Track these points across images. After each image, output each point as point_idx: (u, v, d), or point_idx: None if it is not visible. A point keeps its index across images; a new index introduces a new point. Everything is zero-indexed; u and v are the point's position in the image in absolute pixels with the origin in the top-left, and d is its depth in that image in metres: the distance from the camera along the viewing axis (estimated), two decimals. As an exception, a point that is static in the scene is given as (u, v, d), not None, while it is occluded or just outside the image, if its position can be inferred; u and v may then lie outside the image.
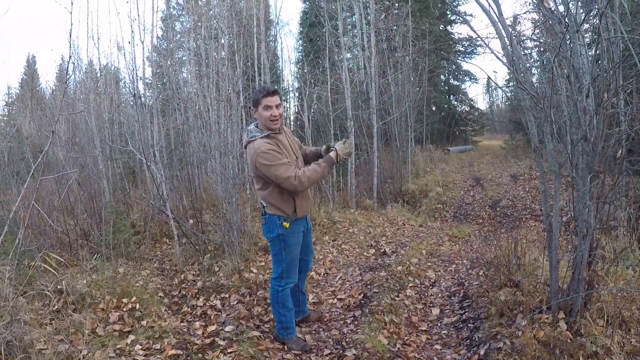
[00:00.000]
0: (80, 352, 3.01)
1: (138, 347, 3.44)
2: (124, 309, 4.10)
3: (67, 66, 4.53)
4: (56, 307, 3.80)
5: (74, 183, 6.91)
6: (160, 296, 4.74)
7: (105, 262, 5.17)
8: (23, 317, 3.19)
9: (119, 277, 4.67)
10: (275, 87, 3.52)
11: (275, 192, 3.41)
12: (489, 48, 3.48)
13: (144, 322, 3.89)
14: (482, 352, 3.46)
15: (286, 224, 3.44)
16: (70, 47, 3.86)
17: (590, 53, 3.76)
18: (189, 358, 3.38)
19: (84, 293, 4.11)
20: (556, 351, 2.93)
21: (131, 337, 3.59)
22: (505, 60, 3.46)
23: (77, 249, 5.72)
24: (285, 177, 3.23)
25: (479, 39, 3.63)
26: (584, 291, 3.21)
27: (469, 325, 4.08)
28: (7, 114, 31.26)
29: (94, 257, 5.33)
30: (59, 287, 4.04)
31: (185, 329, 3.87)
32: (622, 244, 4.92)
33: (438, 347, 3.83)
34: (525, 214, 10.48)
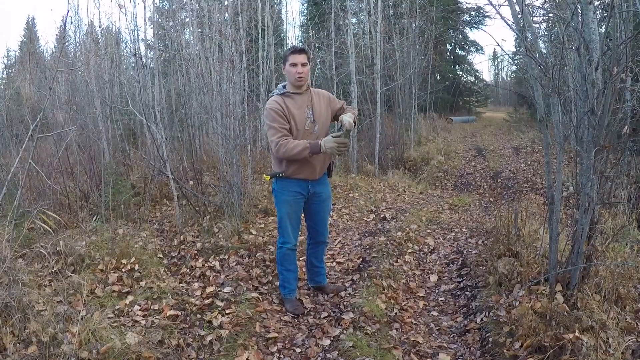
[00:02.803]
0: (79, 313, 3.02)
1: (137, 307, 3.46)
2: (123, 270, 4.12)
3: (65, 21, 4.42)
4: (55, 268, 3.80)
5: (73, 144, 6.87)
6: (160, 257, 4.76)
7: (104, 224, 5.18)
8: (22, 278, 3.20)
9: (118, 239, 4.68)
10: (304, 47, 3.56)
11: None
12: (499, 14, 3.39)
13: (142, 283, 3.91)
14: (478, 320, 3.49)
15: (266, 177, 3.65)
16: (67, 2, 3.74)
17: (601, 30, 3.67)
18: (187, 319, 3.41)
19: (83, 254, 4.12)
20: (552, 323, 2.94)
21: (130, 297, 3.61)
22: (515, 28, 3.38)
23: (76, 211, 5.72)
24: (270, 140, 3.43)
25: (488, 6, 3.53)
26: (583, 264, 3.21)
27: (467, 293, 4.11)
28: (6, 76, 30.91)
29: (94, 219, 5.34)
30: (57, 248, 4.05)
31: (184, 290, 3.90)
32: (622, 222, 4.91)
33: (435, 313, 3.87)
34: (526, 186, 10.45)
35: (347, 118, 3.37)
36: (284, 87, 3.57)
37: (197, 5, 12.16)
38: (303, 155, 3.32)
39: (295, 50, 3.47)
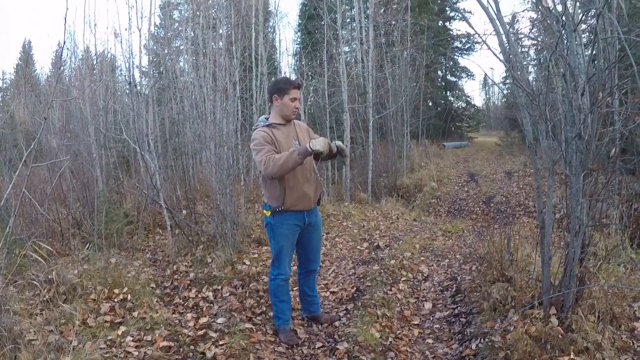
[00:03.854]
0: (71, 343, 2.99)
1: (129, 338, 3.42)
2: (116, 300, 4.08)
3: (61, 51, 4.48)
4: (46, 297, 3.77)
5: (66, 171, 6.86)
6: (152, 287, 4.72)
7: (97, 252, 5.14)
8: (13, 307, 3.17)
9: (111, 268, 4.64)
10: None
11: (268, 181, 3.54)
12: (487, 45, 3.47)
13: (135, 313, 3.87)
14: (473, 346, 3.47)
15: (267, 212, 3.59)
16: (64, 32, 3.81)
17: (587, 53, 3.77)
18: (180, 350, 3.37)
19: (75, 283, 4.08)
20: (547, 346, 2.94)
21: (122, 328, 3.57)
22: (502, 58, 3.45)
23: (68, 239, 5.69)
24: (258, 161, 3.37)
25: (477, 35, 3.62)
26: (576, 287, 3.22)
27: (461, 319, 4.09)
28: (0, 99, 30.96)
29: (86, 247, 5.30)
30: (49, 277, 4.01)
31: (177, 321, 3.86)
32: (614, 241, 4.94)
33: (430, 341, 3.84)
34: (519, 210, 10.51)
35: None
36: (266, 119, 3.61)
37: (191, 33, 12.33)
38: (292, 160, 3.24)
39: (299, 86, 3.57)
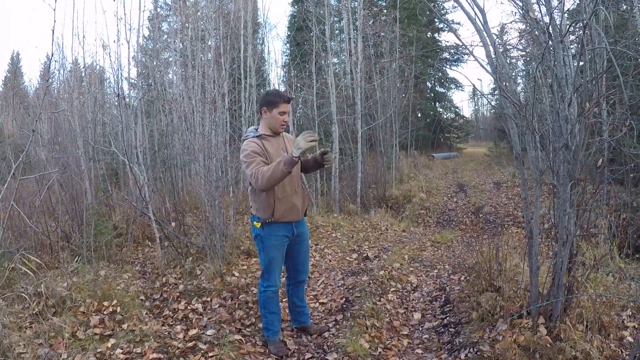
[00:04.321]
0: (60, 356, 2.97)
1: (119, 351, 3.40)
2: (105, 312, 4.05)
3: (50, 64, 4.48)
4: (36, 310, 3.74)
5: (55, 184, 6.82)
6: (142, 299, 4.69)
7: (86, 265, 5.11)
8: (2, 320, 3.14)
9: (100, 280, 4.61)
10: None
11: (257, 193, 3.55)
12: (474, 56, 3.52)
13: (125, 326, 3.85)
14: (462, 356, 3.48)
15: (257, 224, 3.58)
16: (52, 44, 3.81)
17: (575, 64, 3.83)
18: (170, 362, 3.35)
19: (65, 296, 4.05)
20: (536, 355, 2.97)
21: (112, 340, 3.55)
22: (489, 69, 3.50)
23: (57, 251, 5.64)
24: (249, 174, 3.36)
25: (464, 47, 3.67)
26: (564, 297, 3.25)
27: (450, 329, 4.11)
28: (-12, 112, 30.61)
29: (75, 260, 5.26)
30: (38, 289, 3.98)
31: (166, 333, 3.84)
32: (603, 251, 4.99)
33: (419, 351, 3.86)
34: (508, 220, 10.57)
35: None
36: (256, 129, 3.62)
37: (180, 45, 12.35)
38: (279, 171, 3.20)
39: (288, 100, 3.60)
